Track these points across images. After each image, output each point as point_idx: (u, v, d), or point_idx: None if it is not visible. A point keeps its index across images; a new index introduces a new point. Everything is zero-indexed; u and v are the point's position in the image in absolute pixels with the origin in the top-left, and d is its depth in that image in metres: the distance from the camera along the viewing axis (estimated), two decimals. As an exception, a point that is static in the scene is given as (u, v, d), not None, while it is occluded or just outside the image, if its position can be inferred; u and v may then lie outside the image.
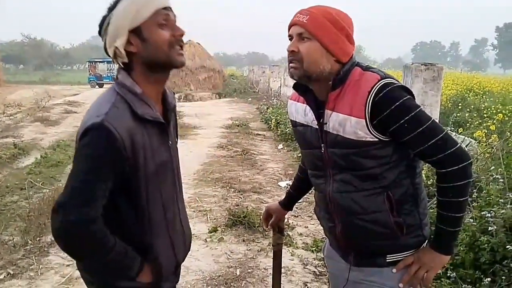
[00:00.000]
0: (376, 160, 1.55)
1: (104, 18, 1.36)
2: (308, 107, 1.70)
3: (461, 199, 1.52)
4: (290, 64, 1.60)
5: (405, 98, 1.49)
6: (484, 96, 14.71)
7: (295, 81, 1.71)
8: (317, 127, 1.65)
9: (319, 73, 1.56)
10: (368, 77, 1.53)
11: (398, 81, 1.53)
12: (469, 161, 1.51)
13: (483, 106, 11.30)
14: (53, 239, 4.19)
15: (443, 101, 12.06)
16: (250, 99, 20.31)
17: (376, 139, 1.52)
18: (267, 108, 14.00)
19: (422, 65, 6.15)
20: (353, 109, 1.51)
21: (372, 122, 1.49)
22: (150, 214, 1.44)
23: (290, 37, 1.61)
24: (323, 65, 1.56)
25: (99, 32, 1.39)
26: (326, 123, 1.60)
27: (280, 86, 17.50)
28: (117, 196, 1.35)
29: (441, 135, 1.49)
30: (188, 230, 1.69)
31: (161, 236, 1.50)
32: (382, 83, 1.49)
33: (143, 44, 1.36)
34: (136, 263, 1.40)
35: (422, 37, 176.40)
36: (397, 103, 1.47)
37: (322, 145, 1.63)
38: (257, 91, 22.93)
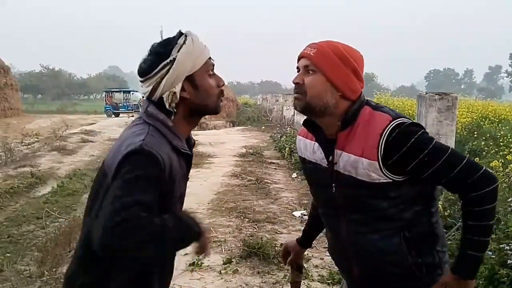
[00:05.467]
0: (390, 201, 1.53)
1: (155, 62, 1.42)
2: (316, 145, 1.69)
3: (491, 222, 1.49)
4: (295, 96, 1.61)
5: (419, 133, 1.48)
6: (500, 124, 14.58)
7: (305, 118, 1.71)
8: (326, 166, 1.63)
9: (322, 107, 1.56)
10: (380, 117, 1.52)
11: (409, 119, 1.53)
12: (498, 183, 1.49)
13: (499, 134, 11.19)
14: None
15: (458, 129, 11.98)
16: (263, 127, 20.41)
17: (390, 180, 1.50)
18: (281, 136, 14.02)
19: (436, 94, 6.15)
20: (365, 151, 1.50)
21: (387, 163, 1.47)
22: None
23: (298, 69, 1.62)
24: (327, 99, 1.55)
25: (145, 74, 1.44)
26: (336, 163, 1.58)
27: (294, 114, 17.57)
28: None
29: (466, 160, 1.47)
30: None
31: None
32: (395, 124, 1.48)
33: (195, 91, 1.46)
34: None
35: (436, 64, 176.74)
36: (413, 140, 1.46)
37: (333, 184, 1.61)
38: (270, 119, 23.05)
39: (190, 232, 1.38)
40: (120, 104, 37.78)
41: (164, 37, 1.49)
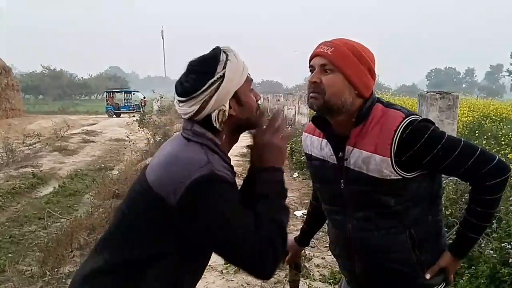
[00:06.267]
0: (398, 198, 1.55)
1: (201, 80, 1.34)
2: (324, 141, 1.70)
3: (496, 209, 1.56)
4: (311, 95, 1.59)
5: (432, 129, 1.51)
6: (501, 123, 14.57)
7: (314, 115, 1.72)
8: (335, 162, 1.64)
9: (340, 106, 1.56)
10: (393, 114, 1.54)
11: (420, 116, 1.55)
12: (510, 172, 1.52)
13: (501, 133, 11.18)
14: (70, 270, 4.25)
15: (459, 128, 11.96)
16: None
17: (400, 177, 1.51)
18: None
19: (437, 93, 6.14)
20: (378, 147, 1.51)
21: (399, 159, 1.50)
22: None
23: (312, 68, 1.61)
24: (345, 98, 1.56)
25: (189, 93, 1.35)
26: (346, 159, 1.59)
27: (295, 114, 17.54)
28: None
29: (479, 152, 1.50)
30: None
31: None
32: (408, 121, 1.50)
33: (239, 108, 1.41)
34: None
35: (437, 63, 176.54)
36: (426, 135, 1.48)
37: (342, 181, 1.62)
38: (271, 119, 23.01)
39: (279, 186, 1.40)
40: (121, 105, 37.83)
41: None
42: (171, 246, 1.32)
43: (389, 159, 1.50)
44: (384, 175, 1.51)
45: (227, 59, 1.37)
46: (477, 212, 1.55)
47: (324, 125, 1.69)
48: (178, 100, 1.39)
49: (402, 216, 1.57)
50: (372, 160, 1.52)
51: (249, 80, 1.43)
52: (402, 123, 1.50)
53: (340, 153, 1.62)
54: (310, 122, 1.79)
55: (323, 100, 1.56)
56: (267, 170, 1.39)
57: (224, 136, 1.42)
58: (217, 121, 1.37)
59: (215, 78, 1.34)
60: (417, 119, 1.52)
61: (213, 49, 1.41)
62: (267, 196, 1.35)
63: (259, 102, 1.50)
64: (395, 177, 1.51)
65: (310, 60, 1.63)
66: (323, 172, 1.71)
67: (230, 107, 1.38)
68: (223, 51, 1.38)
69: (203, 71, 1.35)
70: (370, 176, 1.54)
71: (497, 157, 1.52)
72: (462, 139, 1.53)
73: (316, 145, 1.75)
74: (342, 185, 1.62)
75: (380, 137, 1.52)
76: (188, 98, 1.35)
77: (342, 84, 1.55)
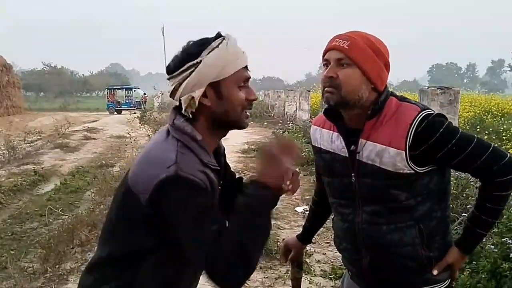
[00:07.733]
0: (409, 192, 1.54)
1: (182, 61, 1.32)
2: (335, 134, 1.68)
3: (505, 206, 1.58)
4: (326, 89, 1.56)
5: (446, 124, 1.50)
6: (502, 118, 14.56)
7: (325, 107, 1.69)
8: (346, 155, 1.63)
9: (357, 100, 1.55)
10: (408, 108, 1.54)
11: (434, 110, 1.55)
12: None
13: (502, 128, 11.18)
14: (72, 266, 4.26)
15: (461, 123, 11.96)
16: (265, 123, 20.36)
17: (413, 171, 1.51)
18: (283, 132, 14.01)
19: (438, 89, 6.12)
20: (392, 140, 1.51)
21: (413, 153, 1.49)
22: None
23: (326, 62, 1.57)
24: (361, 93, 1.54)
25: (170, 72, 1.35)
26: (359, 152, 1.58)
27: (296, 110, 17.54)
28: None
29: (491, 148, 1.51)
30: None
31: None
32: (424, 115, 1.50)
33: (218, 100, 1.33)
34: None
35: (438, 59, 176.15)
36: (441, 130, 1.48)
37: (353, 174, 1.61)
38: (272, 115, 22.99)
39: (262, 205, 1.29)
40: (122, 102, 37.85)
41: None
42: (155, 242, 1.30)
43: (404, 152, 1.49)
44: (397, 169, 1.51)
45: (216, 46, 1.31)
46: (486, 208, 1.55)
47: (336, 118, 1.67)
48: (166, 78, 1.39)
49: (412, 211, 1.57)
50: (386, 153, 1.52)
51: (241, 74, 1.34)
52: (418, 117, 1.49)
53: (352, 146, 1.61)
54: (321, 114, 1.76)
55: (340, 96, 1.53)
56: (256, 184, 1.28)
57: (203, 128, 1.35)
58: (184, 106, 1.33)
59: (194, 62, 1.30)
60: (432, 113, 1.51)
61: (216, 34, 1.36)
62: (242, 212, 1.26)
63: (252, 101, 1.39)
64: (408, 171, 1.51)
65: (324, 54, 1.59)
66: (334, 166, 1.70)
67: (206, 97, 1.32)
68: (222, 37, 1.33)
69: (188, 52, 1.33)
70: (382, 169, 1.53)
71: (508, 155, 1.52)
72: (476, 136, 1.53)
73: (326, 138, 1.73)
74: (353, 178, 1.61)
75: (395, 130, 1.51)
76: (170, 76, 1.35)
77: (360, 78, 1.53)
